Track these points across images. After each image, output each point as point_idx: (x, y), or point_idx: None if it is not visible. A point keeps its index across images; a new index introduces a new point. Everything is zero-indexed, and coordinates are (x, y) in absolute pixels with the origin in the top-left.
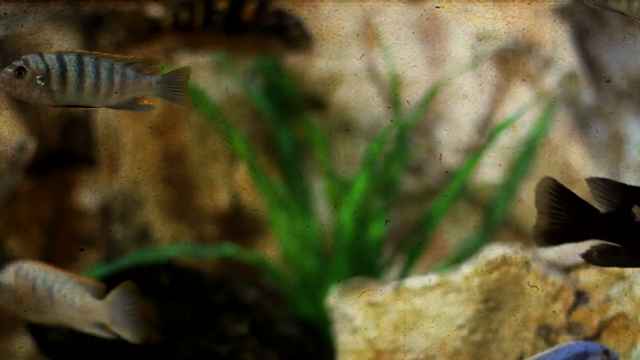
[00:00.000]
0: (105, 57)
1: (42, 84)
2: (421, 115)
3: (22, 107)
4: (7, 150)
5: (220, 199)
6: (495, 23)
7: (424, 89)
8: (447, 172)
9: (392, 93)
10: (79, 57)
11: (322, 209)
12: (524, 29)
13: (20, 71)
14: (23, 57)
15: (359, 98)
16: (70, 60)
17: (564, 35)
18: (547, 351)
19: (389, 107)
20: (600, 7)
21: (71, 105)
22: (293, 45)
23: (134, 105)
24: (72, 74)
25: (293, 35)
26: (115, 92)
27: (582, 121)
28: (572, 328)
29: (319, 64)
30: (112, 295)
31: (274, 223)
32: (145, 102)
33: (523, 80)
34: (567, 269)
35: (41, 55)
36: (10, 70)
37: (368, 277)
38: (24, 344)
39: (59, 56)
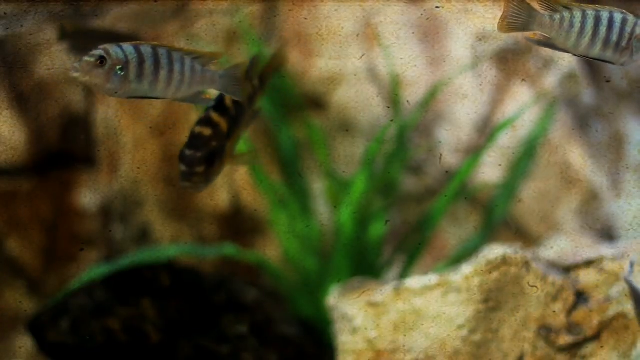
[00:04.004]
0: (176, 49)
1: (122, 74)
2: (421, 115)
3: (22, 107)
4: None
5: (220, 199)
6: (495, 23)
7: (424, 89)
8: (447, 172)
9: (392, 93)
10: (154, 48)
11: (322, 209)
12: None
13: (101, 60)
14: (102, 47)
15: (359, 98)
16: (146, 52)
17: None
18: None
19: (389, 107)
20: (545, 46)
21: (142, 97)
22: None
23: (198, 98)
24: (148, 65)
25: None
26: (185, 85)
27: (582, 121)
28: (572, 328)
29: (319, 64)
30: None
31: (274, 223)
32: (208, 96)
33: (523, 80)
34: (567, 269)
35: (120, 45)
36: (90, 59)
37: (368, 277)
38: (24, 344)
39: (137, 47)
